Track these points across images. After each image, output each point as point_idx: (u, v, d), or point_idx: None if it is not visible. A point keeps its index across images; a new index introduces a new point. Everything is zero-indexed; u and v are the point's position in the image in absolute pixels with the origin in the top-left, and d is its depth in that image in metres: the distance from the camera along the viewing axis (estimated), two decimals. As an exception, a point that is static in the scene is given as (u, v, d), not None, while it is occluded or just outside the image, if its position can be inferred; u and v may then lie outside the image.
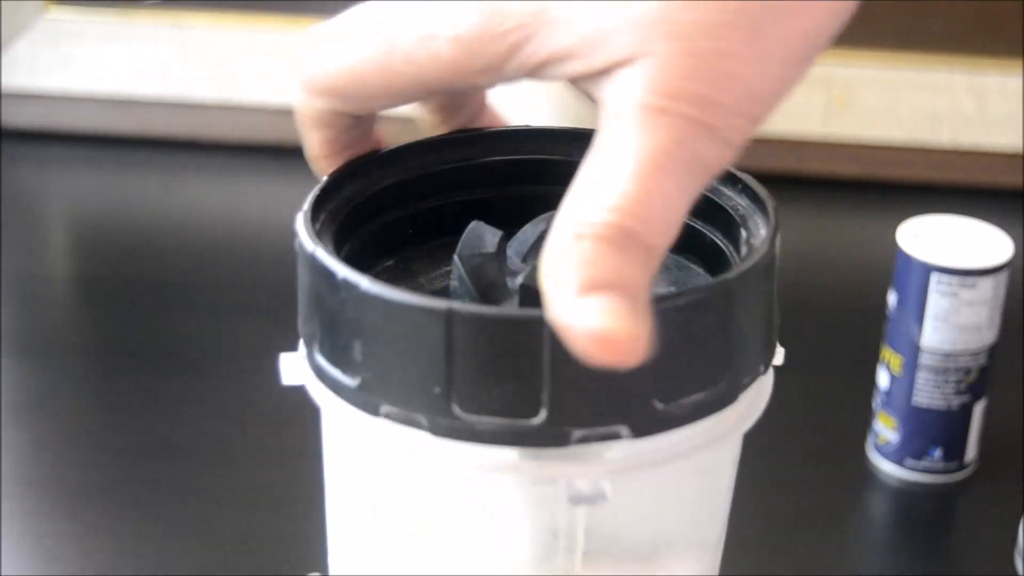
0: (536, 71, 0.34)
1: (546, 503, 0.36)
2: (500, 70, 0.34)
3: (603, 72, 0.33)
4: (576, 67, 0.33)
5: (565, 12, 0.33)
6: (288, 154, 1.01)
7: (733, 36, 0.32)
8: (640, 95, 0.32)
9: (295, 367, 0.37)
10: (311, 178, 0.39)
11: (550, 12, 0.33)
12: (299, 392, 0.37)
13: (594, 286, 0.31)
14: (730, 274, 0.35)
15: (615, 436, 0.33)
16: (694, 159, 0.32)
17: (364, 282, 0.33)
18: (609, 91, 0.33)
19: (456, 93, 0.39)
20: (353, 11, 0.35)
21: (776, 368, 0.38)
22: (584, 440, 0.33)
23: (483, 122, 0.42)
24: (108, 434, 0.73)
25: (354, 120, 0.38)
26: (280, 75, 0.99)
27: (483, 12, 0.33)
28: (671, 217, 0.32)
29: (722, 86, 0.32)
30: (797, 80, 0.34)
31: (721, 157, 0.33)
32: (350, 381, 0.34)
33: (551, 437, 0.33)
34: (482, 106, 0.42)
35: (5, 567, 0.63)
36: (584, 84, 0.33)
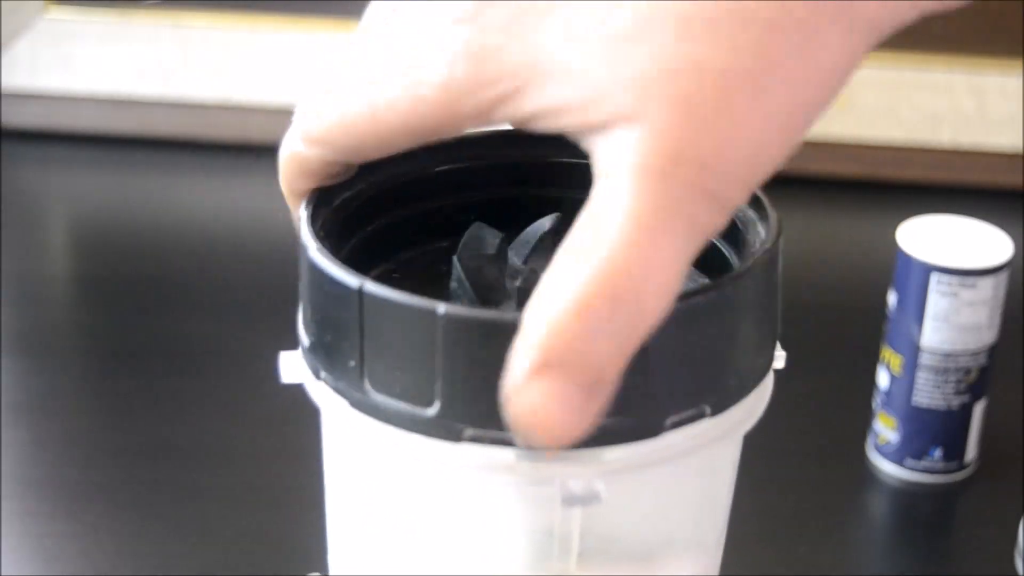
0: (525, 122, 0.33)
1: (541, 504, 0.36)
2: (488, 117, 0.33)
3: (597, 129, 0.32)
4: (569, 121, 0.32)
5: (560, 66, 0.31)
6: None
7: (736, 101, 0.31)
8: (636, 156, 0.31)
9: (295, 365, 0.37)
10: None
11: (543, 64, 0.32)
12: (298, 391, 0.37)
13: (547, 365, 0.30)
14: (735, 275, 0.34)
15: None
16: (690, 224, 0.31)
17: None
18: (603, 148, 0.32)
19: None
20: (348, 62, 0.35)
21: (776, 368, 0.38)
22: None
23: None
24: (108, 434, 0.73)
25: (343, 168, 0.37)
26: (280, 75, 0.99)
27: (472, 61, 0.32)
28: (663, 283, 0.31)
29: (721, 153, 0.31)
30: (795, 145, 0.33)
31: (717, 221, 0.32)
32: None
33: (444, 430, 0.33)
34: None
35: (5, 567, 0.63)
36: (576, 137, 0.32)
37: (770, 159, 0.32)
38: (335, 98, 0.35)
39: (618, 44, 0.31)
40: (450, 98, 0.33)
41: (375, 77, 0.34)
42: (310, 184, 0.37)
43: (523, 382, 0.30)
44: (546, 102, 0.32)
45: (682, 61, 0.31)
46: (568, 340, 0.30)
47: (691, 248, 0.32)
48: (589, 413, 0.31)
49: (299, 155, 0.37)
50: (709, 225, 0.32)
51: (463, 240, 0.37)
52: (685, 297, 0.33)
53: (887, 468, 0.71)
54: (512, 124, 0.34)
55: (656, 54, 0.31)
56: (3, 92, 1.00)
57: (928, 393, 0.68)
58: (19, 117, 1.00)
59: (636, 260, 0.30)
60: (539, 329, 0.30)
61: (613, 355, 0.31)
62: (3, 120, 1.00)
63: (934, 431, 0.69)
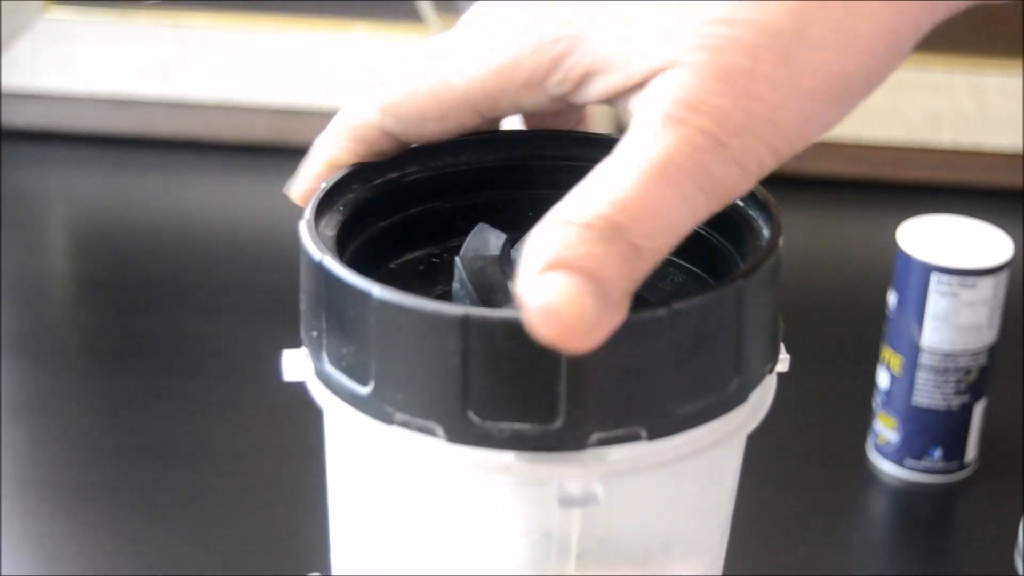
0: (578, 85, 0.35)
1: (540, 505, 0.36)
2: (543, 84, 0.35)
3: (639, 84, 0.33)
4: (614, 79, 0.34)
5: (607, 25, 0.34)
6: (288, 154, 1.01)
7: (764, 58, 0.32)
8: (663, 104, 0.32)
9: (297, 363, 0.37)
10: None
11: (593, 25, 0.34)
12: (299, 391, 0.37)
13: (560, 265, 0.31)
14: (741, 275, 0.34)
15: (635, 438, 0.33)
16: (703, 173, 0.32)
17: (376, 289, 0.33)
18: (638, 101, 0.33)
19: (503, 116, 0.39)
20: (428, 41, 0.38)
21: (779, 371, 0.38)
22: (602, 443, 0.33)
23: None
24: (108, 434, 0.73)
25: (394, 146, 0.39)
26: (280, 75, 0.99)
27: (532, 25, 0.35)
28: (668, 225, 0.32)
29: (744, 106, 0.32)
30: (827, 122, 0.34)
31: (734, 179, 0.32)
32: (359, 388, 0.34)
33: (569, 441, 0.33)
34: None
35: (5, 567, 0.63)
36: (621, 101, 0.34)
37: (796, 128, 0.33)
38: (409, 68, 0.37)
39: (664, 1, 0.33)
40: (508, 60, 0.35)
41: (445, 51, 0.37)
42: (359, 149, 0.39)
43: (535, 276, 0.31)
44: (594, 59, 0.34)
45: (719, 14, 0.32)
46: (575, 246, 0.31)
47: (703, 200, 0.32)
48: (598, 322, 0.31)
49: (363, 121, 0.38)
50: (726, 181, 0.32)
51: (466, 241, 0.37)
52: (686, 297, 0.33)
53: (887, 468, 0.71)
54: (563, 93, 0.35)
55: (695, 9, 0.33)
56: (3, 92, 1.00)
57: (928, 393, 0.68)
58: (19, 117, 1.00)
59: (642, 197, 0.32)
60: (548, 234, 0.32)
61: (617, 276, 0.31)
62: (3, 120, 1.00)
63: (934, 431, 0.69)
